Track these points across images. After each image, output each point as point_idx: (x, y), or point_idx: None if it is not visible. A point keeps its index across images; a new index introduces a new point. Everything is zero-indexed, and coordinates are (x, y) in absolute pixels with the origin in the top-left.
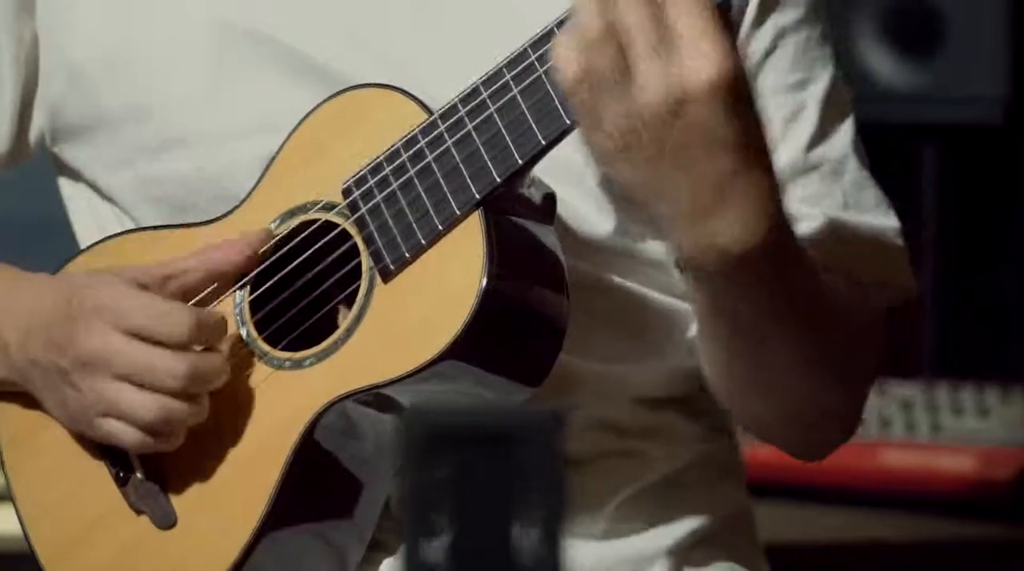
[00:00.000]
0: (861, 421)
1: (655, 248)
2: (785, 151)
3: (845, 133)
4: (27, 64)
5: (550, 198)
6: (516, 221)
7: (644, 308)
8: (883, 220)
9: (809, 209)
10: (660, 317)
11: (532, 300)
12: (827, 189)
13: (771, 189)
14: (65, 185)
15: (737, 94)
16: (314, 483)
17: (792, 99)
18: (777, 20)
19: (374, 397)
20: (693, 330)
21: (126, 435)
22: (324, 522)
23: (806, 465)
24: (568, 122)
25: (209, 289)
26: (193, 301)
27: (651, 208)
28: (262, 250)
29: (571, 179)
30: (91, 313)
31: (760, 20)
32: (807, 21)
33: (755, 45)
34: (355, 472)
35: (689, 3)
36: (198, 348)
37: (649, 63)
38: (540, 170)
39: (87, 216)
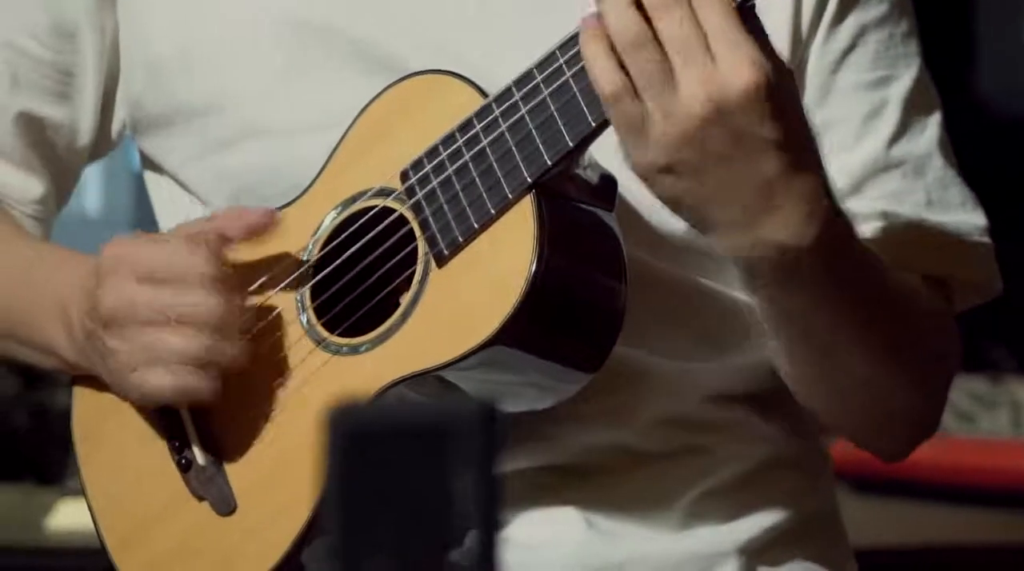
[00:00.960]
0: (939, 420)
1: None
2: (865, 148)
3: (930, 130)
4: (110, 57)
5: (609, 181)
6: (571, 205)
7: (720, 305)
8: (968, 217)
9: (890, 207)
10: (737, 314)
11: (586, 285)
12: (909, 187)
13: (819, 189)
14: (149, 177)
15: (776, 97)
16: None
17: (873, 96)
18: (858, 17)
19: (434, 383)
20: None
21: (165, 380)
22: None
23: (941, 462)
24: None
25: (269, 275)
26: (256, 285)
27: (697, 218)
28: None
29: None
30: (109, 270)
31: (840, 18)
32: (890, 18)
33: (834, 44)
34: None
35: (718, 8)
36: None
37: (686, 70)
38: (615, 165)
39: (169, 207)
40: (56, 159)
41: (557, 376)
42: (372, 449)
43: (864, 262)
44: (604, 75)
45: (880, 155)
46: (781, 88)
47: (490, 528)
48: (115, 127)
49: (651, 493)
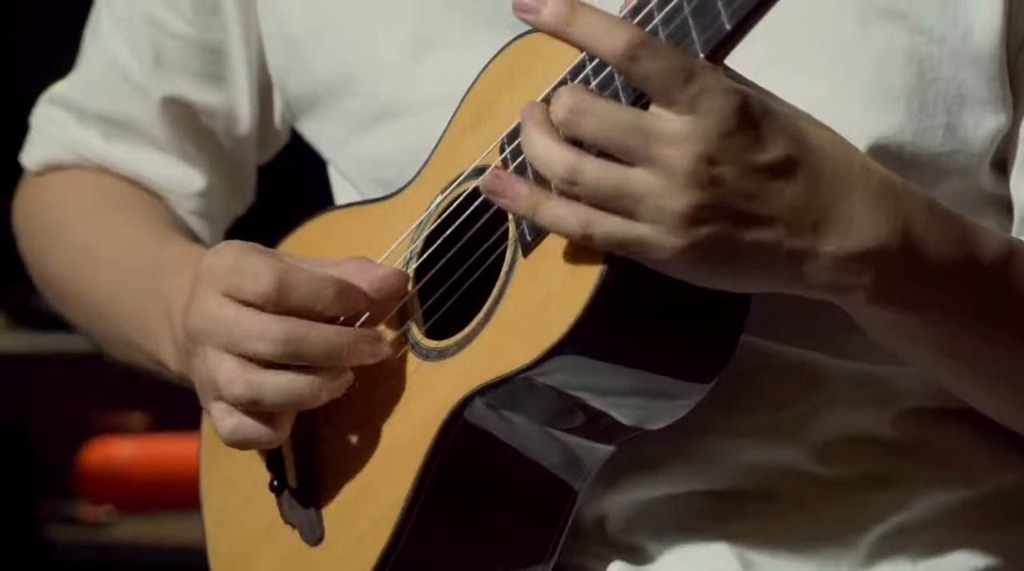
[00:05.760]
0: None
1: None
2: None
3: None
4: (257, 34)
5: None
6: None
7: None
8: None
9: None
10: None
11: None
12: None
13: (871, 183)
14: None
15: (757, 117)
16: (460, 494)
17: None
18: None
19: (520, 391)
20: None
21: (222, 423)
22: (478, 542)
23: None
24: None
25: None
26: None
27: (760, 273)
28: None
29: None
30: (197, 279)
31: None
32: None
33: None
34: (513, 481)
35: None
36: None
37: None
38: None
39: (340, 192)
40: (216, 149)
41: (653, 388)
42: None
43: (991, 270)
44: (569, 220)
45: None
46: (752, 106)
47: None
48: (277, 114)
49: (826, 527)
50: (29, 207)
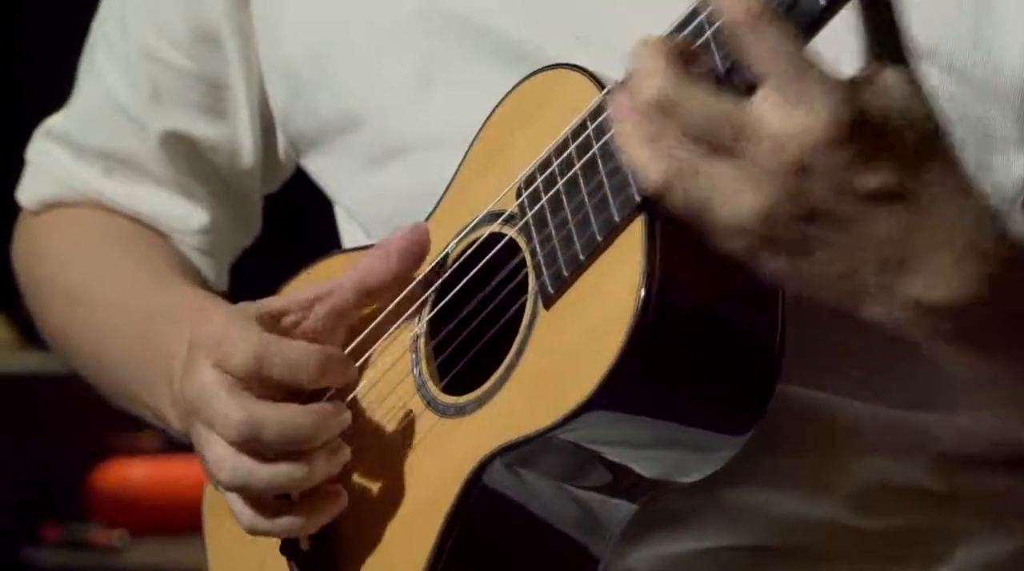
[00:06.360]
0: None
1: None
2: None
3: None
4: (256, 65)
5: None
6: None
7: None
8: None
9: None
10: None
11: (717, 329)
12: None
13: (967, 226)
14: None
15: (866, 135)
16: (481, 559)
17: None
18: None
19: (544, 450)
20: None
21: (240, 513)
22: None
23: None
24: None
25: (382, 320)
26: (368, 330)
27: (821, 299)
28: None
29: None
30: (190, 345)
31: None
32: None
33: None
34: (535, 544)
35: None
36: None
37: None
38: None
39: (346, 234)
40: (219, 183)
41: (685, 441)
42: None
43: None
44: (649, 163)
45: None
46: (870, 122)
47: None
48: (281, 147)
49: None
50: (29, 253)
